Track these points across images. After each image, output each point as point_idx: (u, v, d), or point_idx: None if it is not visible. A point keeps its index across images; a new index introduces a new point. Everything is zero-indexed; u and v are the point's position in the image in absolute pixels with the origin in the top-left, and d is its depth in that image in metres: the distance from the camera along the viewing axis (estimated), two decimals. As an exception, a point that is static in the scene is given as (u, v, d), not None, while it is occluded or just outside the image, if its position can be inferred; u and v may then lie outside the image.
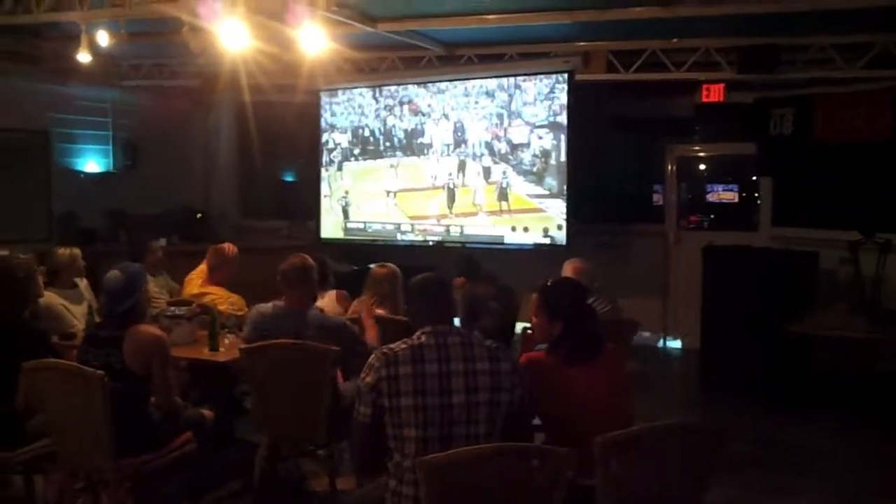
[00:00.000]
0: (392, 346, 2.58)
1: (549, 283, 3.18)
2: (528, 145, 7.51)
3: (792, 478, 4.53)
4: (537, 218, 7.43)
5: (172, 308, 4.57)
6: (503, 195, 7.64)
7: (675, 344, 7.97)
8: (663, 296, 8.01)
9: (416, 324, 2.67)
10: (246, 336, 3.97)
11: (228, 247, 5.32)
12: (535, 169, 7.45)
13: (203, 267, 5.26)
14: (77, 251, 5.08)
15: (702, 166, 8.72)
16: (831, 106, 6.75)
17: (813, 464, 4.81)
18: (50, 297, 4.81)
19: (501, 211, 7.65)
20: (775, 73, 6.40)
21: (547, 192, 7.41)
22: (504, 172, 7.61)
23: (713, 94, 7.12)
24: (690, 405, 6.16)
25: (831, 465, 4.81)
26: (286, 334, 3.68)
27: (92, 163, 8.89)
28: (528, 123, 7.50)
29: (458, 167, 7.87)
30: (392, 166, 8.26)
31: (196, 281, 5.20)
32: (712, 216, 8.41)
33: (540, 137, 7.43)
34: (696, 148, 8.43)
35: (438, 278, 2.83)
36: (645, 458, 2.41)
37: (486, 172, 7.73)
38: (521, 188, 7.54)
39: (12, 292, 3.71)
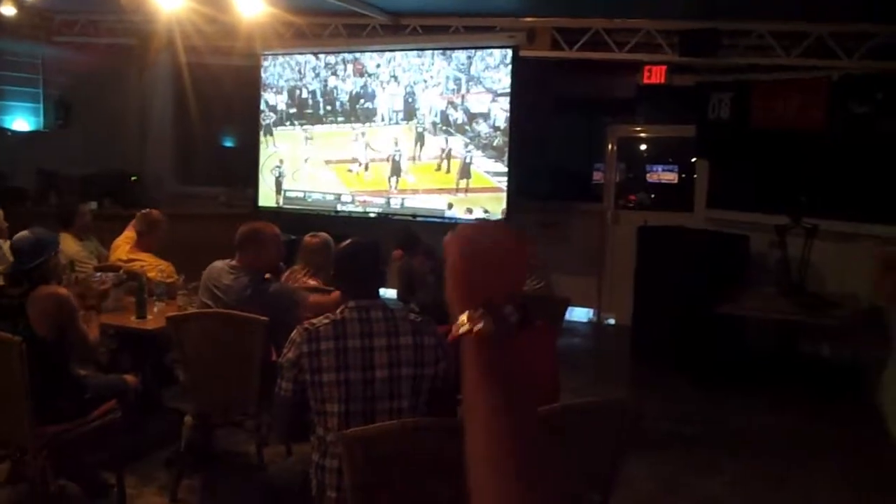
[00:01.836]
0: (314, 320, 2.55)
1: None
2: (487, 115, 7.48)
3: (719, 456, 4.65)
4: (495, 198, 7.44)
5: (99, 273, 4.45)
6: (465, 172, 7.60)
7: (610, 321, 8.11)
8: (599, 273, 8.13)
9: (342, 293, 2.64)
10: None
11: (156, 212, 5.20)
12: (494, 143, 7.45)
13: (130, 233, 5.13)
14: None
15: (643, 147, 8.84)
16: (767, 93, 6.89)
17: (739, 442, 4.95)
18: (-30, 256, 4.66)
19: (458, 189, 7.62)
20: (715, 57, 6.50)
21: (491, 168, 7.43)
22: (466, 146, 7.59)
23: (654, 75, 7.20)
24: (620, 382, 6.29)
25: (757, 443, 4.95)
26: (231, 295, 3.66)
27: (21, 120, 8.55)
28: (488, 91, 7.47)
29: (412, 139, 7.80)
30: (333, 133, 8.15)
31: (124, 247, 5.07)
32: (652, 196, 8.54)
33: (502, 109, 7.40)
34: (638, 128, 8.54)
35: (363, 247, 2.73)
36: (564, 434, 2.44)
37: (443, 146, 7.69)
38: (481, 164, 7.53)
39: None
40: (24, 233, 3.37)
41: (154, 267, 4.84)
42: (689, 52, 6.52)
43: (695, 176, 7.97)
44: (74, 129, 8.74)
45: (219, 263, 3.89)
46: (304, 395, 2.51)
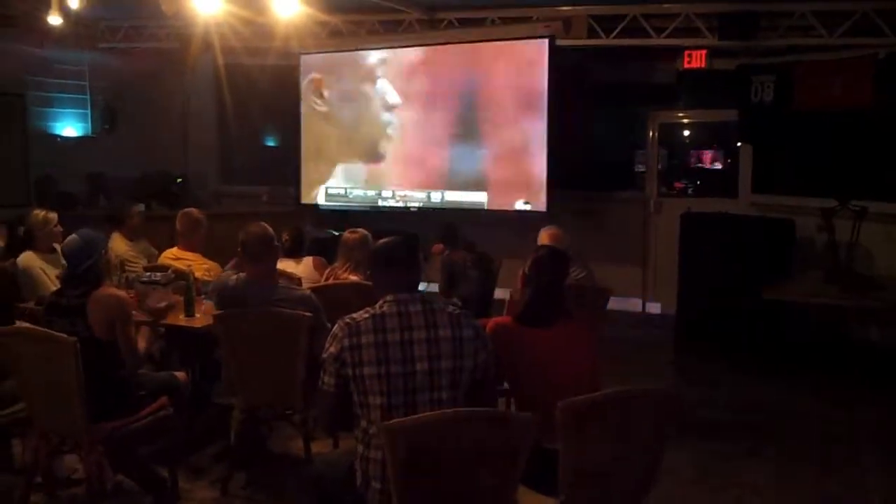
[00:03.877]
0: (355, 315, 2.58)
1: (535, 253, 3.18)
2: (512, 111, 7.48)
3: (763, 443, 4.59)
4: (523, 185, 7.45)
5: (148, 273, 4.57)
6: (488, 163, 7.63)
7: (655, 310, 8.04)
8: (643, 262, 8.06)
9: (379, 291, 2.67)
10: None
11: (196, 211, 5.30)
12: (520, 136, 7.44)
13: (176, 251, 5.23)
14: (52, 215, 5.04)
15: (685, 133, 8.72)
16: (811, 74, 6.75)
17: (785, 430, 4.88)
18: (29, 259, 4.82)
19: (487, 179, 7.65)
20: (755, 40, 6.39)
21: (530, 159, 7.42)
22: (490, 140, 7.59)
23: (695, 60, 7.10)
24: (665, 370, 6.24)
25: (803, 430, 4.88)
26: (252, 307, 3.68)
27: (69, 127, 8.80)
28: (513, 87, 7.46)
29: (447, 134, 7.83)
30: (377, 130, 8.20)
31: (172, 249, 5.20)
32: (698, 182, 8.43)
33: (523, 103, 7.40)
34: (679, 114, 8.43)
35: (401, 242, 2.74)
36: (607, 423, 2.44)
37: (475, 142, 7.72)
38: (509, 157, 7.53)
39: None
40: (72, 237, 3.47)
41: (200, 266, 4.95)
42: (729, 35, 6.43)
43: (738, 161, 7.84)
44: (120, 133, 8.97)
45: (230, 281, 3.86)
46: (346, 388, 2.55)
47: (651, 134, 8.23)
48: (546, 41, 7.16)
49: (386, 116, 8.05)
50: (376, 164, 8.15)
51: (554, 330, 2.89)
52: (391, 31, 7.90)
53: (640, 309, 8.06)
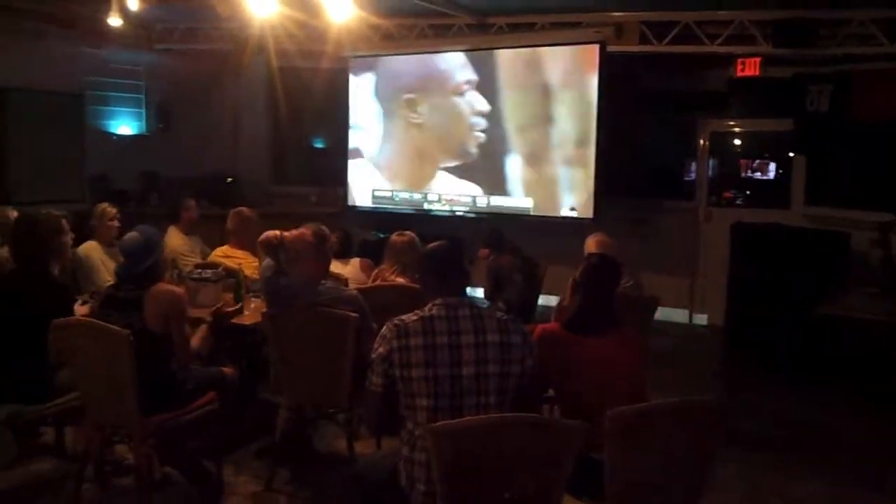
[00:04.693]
0: (404, 317, 2.60)
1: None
2: (561, 117, 7.45)
3: (813, 460, 4.50)
4: (583, 196, 7.42)
5: (199, 270, 4.65)
6: (536, 168, 7.61)
7: (702, 321, 7.92)
8: (692, 272, 7.94)
9: (427, 295, 2.68)
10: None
11: (247, 210, 5.38)
12: (569, 142, 7.41)
13: (227, 248, 5.34)
14: (110, 209, 5.20)
15: (736, 141, 8.57)
16: (870, 83, 6.58)
17: (833, 446, 4.78)
18: (91, 249, 4.98)
19: (534, 184, 7.63)
20: (811, 48, 6.26)
21: (578, 165, 7.39)
22: (538, 145, 7.56)
23: (749, 68, 6.99)
24: (712, 383, 6.14)
25: (852, 448, 4.77)
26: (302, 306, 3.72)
27: (125, 126, 9.00)
28: (562, 94, 7.43)
29: (493, 140, 7.83)
30: (423, 135, 8.23)
31: (223, 247, 5.29)
32: (747, 192, 8.29)
33: (573, 109, 7.37)
34: (731, 123, 8.28)
35: (449, 248, 2.79)
36: (654, 434, 2.41)
37: (523, 148, 7.69)
38: (556, 161, 7.50)
39: (36, 245, 3.75)
40: (132, 234, 3.53)
41: (250, 264, 5.02)
42: (785, 43, 6.31)
43: (790, 171, 7.68)
44: (174, 132, 9.15)
45: (276, 280, 3.92)
46: (393, 389, 2.56)
47: (702, 142, 8.11)
48: (597, 46, 7.12)
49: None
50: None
51: (602, 338, 2.87)
52: (441, 36, 7.93)
53: (686, 320, 7.94)
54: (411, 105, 8.20)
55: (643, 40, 6.95)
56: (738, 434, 4.74)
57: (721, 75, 7.44)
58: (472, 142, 7.96)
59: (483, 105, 7.82)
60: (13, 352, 3.51)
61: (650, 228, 7.80)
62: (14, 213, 4.60)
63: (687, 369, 6.24)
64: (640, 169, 8.17)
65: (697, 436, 2.51)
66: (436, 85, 8.07)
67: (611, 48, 7.05)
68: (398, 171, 8.48)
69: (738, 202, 8.18)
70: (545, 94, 7.53)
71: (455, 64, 7.94)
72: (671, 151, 8.62)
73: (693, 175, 8.29)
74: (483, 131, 7.87)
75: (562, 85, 7.45)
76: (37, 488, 3.80)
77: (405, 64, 8.28)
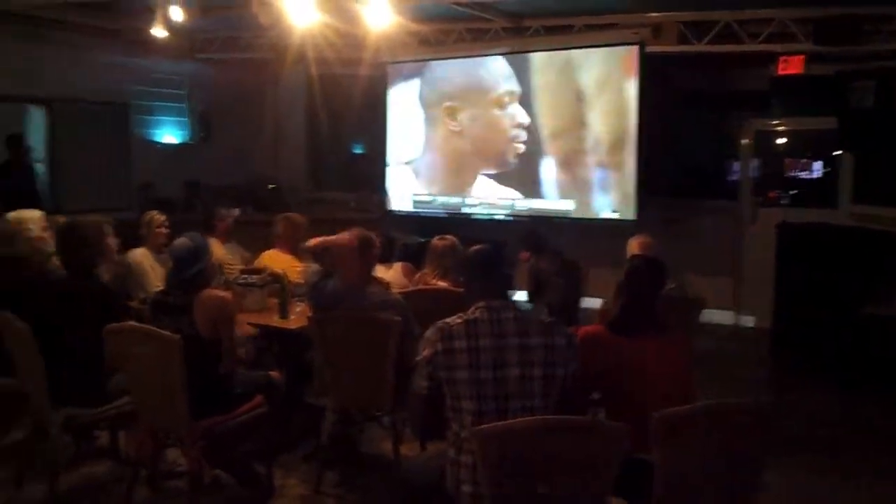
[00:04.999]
0: (448, 320, 2.62)
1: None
2: (598, 119, 7.44)
3: (861, 462, 4.42)
4: (623, 197, 7.39)
5: (245, 275, 4.73)
6: (572, 171, 7.59)
7: (748, 322, 7.80)
8: (736, 273, 7.84)
9: (470, 298, 2.70)
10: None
11: (297, 216, 5.46)
12: (606, 144, 7.39)
13: (275, 252, 5.40)
14: (158, 216, 5.33)
15: (780, 140, 8.45)
16: (916, 79, 6.45)
17: (882, 449, 4.69)
18: (141, 255, 5.11)
19: (571, 188, 7.61)
20: (855, 45, 6.15)
21: (617, 167, 7.35)
22: (573, 147, 7.55)
23: (792, 66, 6.89)
24: (758, 385, 6.05)
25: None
26: (347, 311, 3.77)
27: (169, 135, 9.19)
28: (599, 96, 7.40)
29: (529, 143, 7.82)
30: (461, 143, 8.25)
31: (270, 251, 5.37)
32: (792, 192, 8.16)
33: (610, 111, 7.34)
34: (774, 122, 8.16)
35: (491, 251, 2.80)
36: (703, 435, 2.40)
37: (559, 151, 7.67)
38: (597, 164, 7.49)
39: (82, 250, 3.81)
40: (181, 240, 3.61)
41: (294, 269, 5.09)
42: (827, 40, 6.21)
43: (836, 170, 7.55)
44: (216, 141, 9.32)
45: (322, 285, 3.96)
46: (438, 391, 2.59)
47: (744, 142, 8.01)
48: (635, 48, 7.08)
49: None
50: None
51: (647, 340, 2.86)
52: (478, 40, 7.96)
53: (732, 321, 7.84)
54: (451, 113, 8.24)
55: (681, 40, 6.89)
56: (783, 437, 4.66)
57: (761, 74, 7.36)
58: (512, 153, 7.97)
59: (524, 118, 7.83)
60: (69, 357, 3.59)
61: (693, 229, 7.72)
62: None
63: (733, 371, 6.15)
64: (680, 169, 8.10)
65: (746, 438, 2.49)
66: (476, 95, 8.09)
67: (649, 49, 7.01)
68: (436, 177, 8.53)
69: (783, 202, 8.06)
70: (581, 96, 7.51)
71: (498, 74, 7.94)
72: (712, 151, 8.53)
73: (736, 175, 8.19)
74: (523, 142, 7.88)
75: (598, 87, 7.42)
76: (91, 490, 3.90)
77: (446, 71, 8.32)
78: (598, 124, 7.45)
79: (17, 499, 3.77)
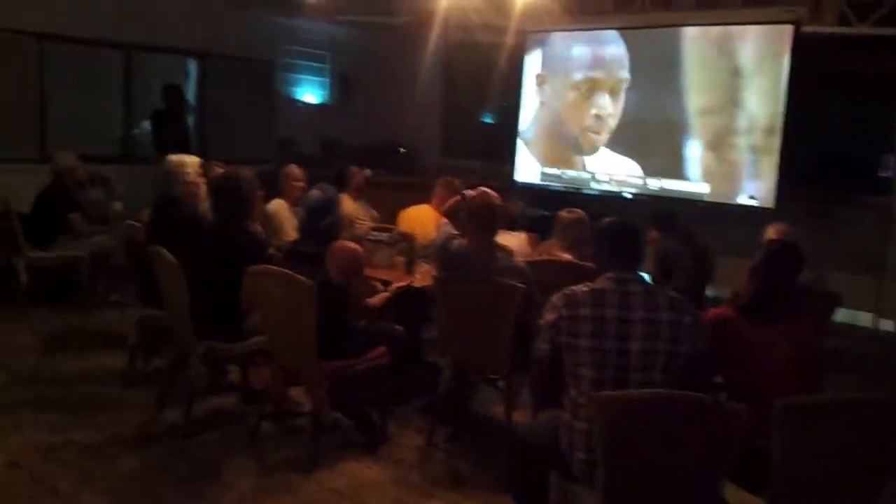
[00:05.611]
0: (574, 287, 2.64)
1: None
2: (749, 100, 7.16)
3: None
4: (750, 178, 7.15)
5: (375, 232, 4.90)
6: (717, 153, 7.38)
7: (887, 326, 7.34)
8: (880, 274, 7.37)
9: (599, 268, 2.70)
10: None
11: (455, 180, 5.60)
12: (756, 128, 7.12)
13: (427, 207, 5.56)
14: (296, 170, 5.58)
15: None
16: None
17: None
18: (278, 206, 5.38)
19: (713, 169, 7.41)
20: None
21: (764, 153, 7.06)
22: (721, 129, 7.31)
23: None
24: (888, 390, 5.70)
25: None
26: (471, 275, 3.84)
27: (309, 94, 9.52)
28: (751, 77, 7.12)
29: (671, 121, 7.64)
30: (595, 116, 8.14)
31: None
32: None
33: (761, 93, 7.04)
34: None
35: (626, 224, 2.79)
36: (827, 427, 2.32)
37: (705, 131, 7.47)
38: (741, 147, 7.25)
39: (239, 202, 3.98)
40: (314, 191, 3.80)
41: (424, 229, 5.20)
42: None
43: None
44: (353, 102, 9.58)
45: (450, 246, 4.04)
46: (558, 356, 2.61)
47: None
48: (789, 27, 6.73)
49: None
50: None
51: (778, 326, 2.77)
52: (622, 11, 7.77)
53: (870, 324, 7.39)
54: (589, 87, 8.19)
55: (842, 21, 6.48)
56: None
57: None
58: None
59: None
60: (213, 295, 3.83)
61: (837, 223, 7.29)
62: (219, 169, 4.98)
63: (864, 374, 5.83)
64: (828, 159, 7.65)
65: (872, 439, 2.38)
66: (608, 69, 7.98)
67: (805, 29, 6.63)
68: (540, 148, 8.57)
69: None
70: (732, 75, 7.23)
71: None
72: (867, 143, 7.99)
73: (890, 170, 7.65)
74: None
75: (750, 67, 7.11)
76: (222, 420, 4.18)
77: (577, 45, 8.26)
78: (746, 106, 7.15)
79: (158, 420, 4.10)
